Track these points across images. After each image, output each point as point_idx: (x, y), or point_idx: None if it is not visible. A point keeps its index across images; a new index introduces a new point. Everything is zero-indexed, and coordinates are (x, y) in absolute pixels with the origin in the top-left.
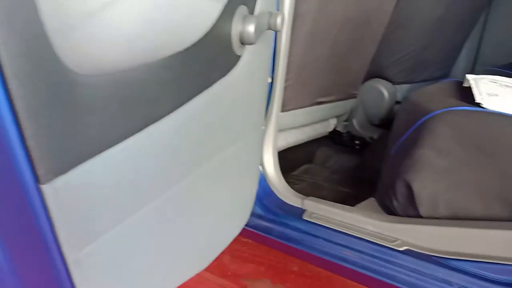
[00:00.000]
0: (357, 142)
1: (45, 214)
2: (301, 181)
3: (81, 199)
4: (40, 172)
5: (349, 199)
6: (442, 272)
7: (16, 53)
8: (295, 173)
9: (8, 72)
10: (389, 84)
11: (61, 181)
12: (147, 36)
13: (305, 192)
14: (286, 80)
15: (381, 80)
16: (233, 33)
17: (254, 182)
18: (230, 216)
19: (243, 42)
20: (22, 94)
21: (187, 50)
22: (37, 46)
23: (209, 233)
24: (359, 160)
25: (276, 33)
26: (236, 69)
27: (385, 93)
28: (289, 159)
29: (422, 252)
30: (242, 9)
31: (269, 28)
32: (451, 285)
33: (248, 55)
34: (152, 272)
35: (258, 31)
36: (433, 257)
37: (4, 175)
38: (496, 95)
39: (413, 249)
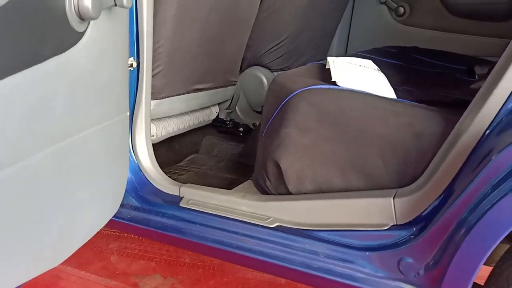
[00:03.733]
0: (240, 129)
1: None
2: (187, 171)
3: None
4: None
5: (233, 185)
6: (309, 244)
7: None
8: (181, 163)
9: None
10: (267, 71)
11: None
12: None
13: (191, 181)
14: (158, 66)
15: (259, 67)
16: (67, 7)
17: (122, 171)
18: (93, 206)
19: (82, 18)
20: None
21: None
22: None
23: (67, 222)
24: (243, 146)
25: (137, 13)
26: (79, 46)
27: (264, 80)
28: (175, 150)
29: (292, 226)
30: None
31: (116, 5)
32: (317, 255)
33: (94, 32)
34: None
35: (98, 6)
36: (302, 230)
37: None
38: (350, 74)
39: (283, 224)
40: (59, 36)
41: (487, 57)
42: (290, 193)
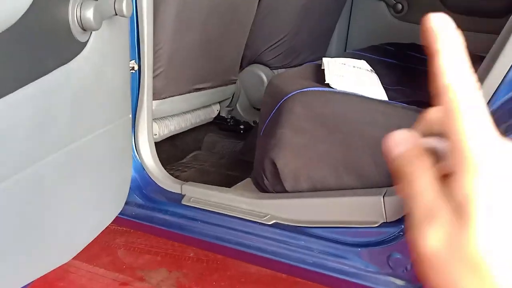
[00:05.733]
0: (241, 126)
1: None
2: (190, 168)
3: None
4: None
5: (234, 182)
6: (304, 240)
7: None
8: (183, 160)
9: None
10: (267, 69)
11: None
12: None
13: (193, 178)
14: (158, 67)
15: (259, 65)
16: (70, 19)
17: (126, 171)
18: (98, 206)
19: (85, 28)
20: None
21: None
22: None
23: (73, 222)
24: (243, 143)
25: (137, 18)
26: (82, 56)
27: (264, 78)
28: (178, 147)
29: (287, 223)
30: None
31: (116, 14)
32: (312, 250)
33: (96, 41)
34: (5, 263)
35: (100, 17)
36: (297, 227)
37: None
38: (342, 76)
39: (280, 221)
40: (63, 48)
41: (485, 53)
42: (287, 191)
